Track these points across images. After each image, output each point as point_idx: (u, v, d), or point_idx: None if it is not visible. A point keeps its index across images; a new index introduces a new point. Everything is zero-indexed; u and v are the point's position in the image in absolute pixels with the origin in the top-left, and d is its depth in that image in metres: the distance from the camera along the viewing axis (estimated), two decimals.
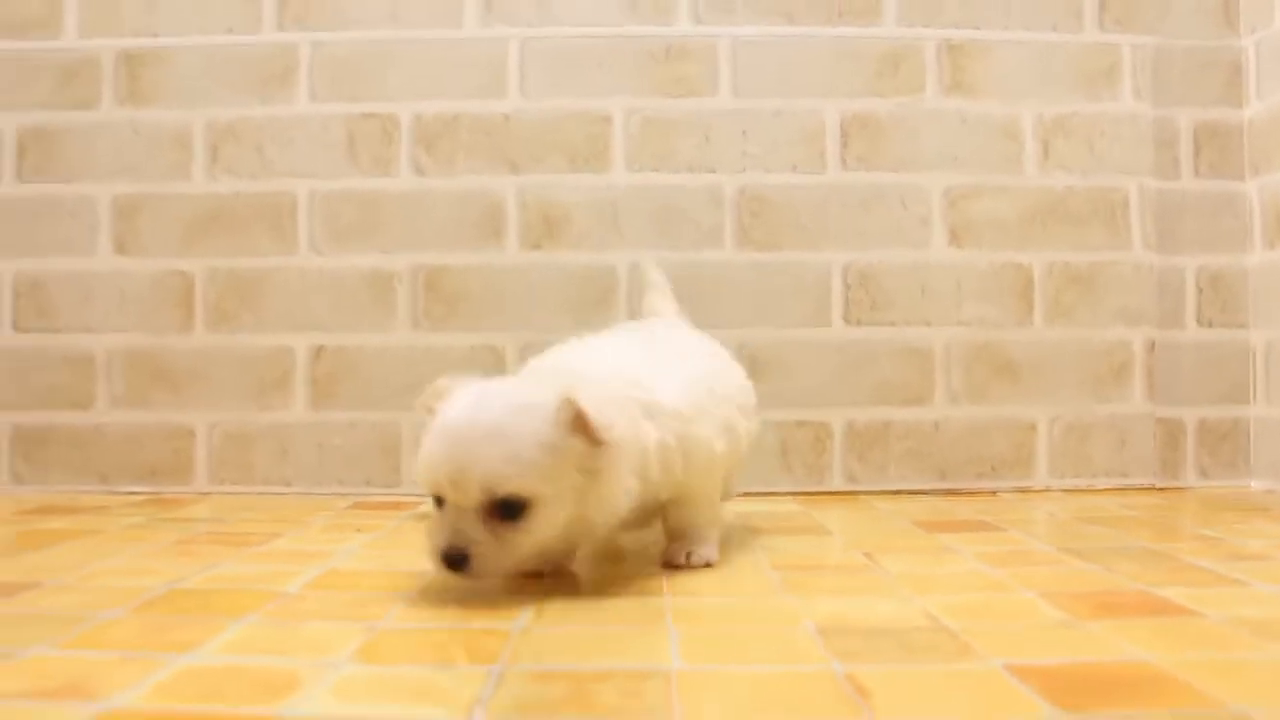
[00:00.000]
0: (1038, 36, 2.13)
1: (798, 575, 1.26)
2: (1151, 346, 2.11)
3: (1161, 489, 2.09)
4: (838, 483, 2.07)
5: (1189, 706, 0.72)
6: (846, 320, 2.09)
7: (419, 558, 1.12)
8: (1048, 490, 2.08)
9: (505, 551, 1.05)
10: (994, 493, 2.06)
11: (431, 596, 1.10)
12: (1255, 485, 2.11)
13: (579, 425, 1.05)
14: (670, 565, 1.26)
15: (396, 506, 1.91)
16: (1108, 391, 2.10)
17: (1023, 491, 2.07)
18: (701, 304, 1.99)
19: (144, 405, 2.11)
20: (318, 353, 2.09)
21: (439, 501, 1.06)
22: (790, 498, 2.01)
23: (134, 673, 0.80)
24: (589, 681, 0.80)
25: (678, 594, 1.15)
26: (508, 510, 1.03)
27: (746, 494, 2.02)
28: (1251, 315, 2.13)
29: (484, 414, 1.05)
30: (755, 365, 2.02)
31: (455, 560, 1.04)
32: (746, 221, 2.09)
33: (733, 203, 2.09)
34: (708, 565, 1.27)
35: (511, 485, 1.02)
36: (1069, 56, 2.13)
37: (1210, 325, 2.13)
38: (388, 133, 2.11)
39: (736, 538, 1.54)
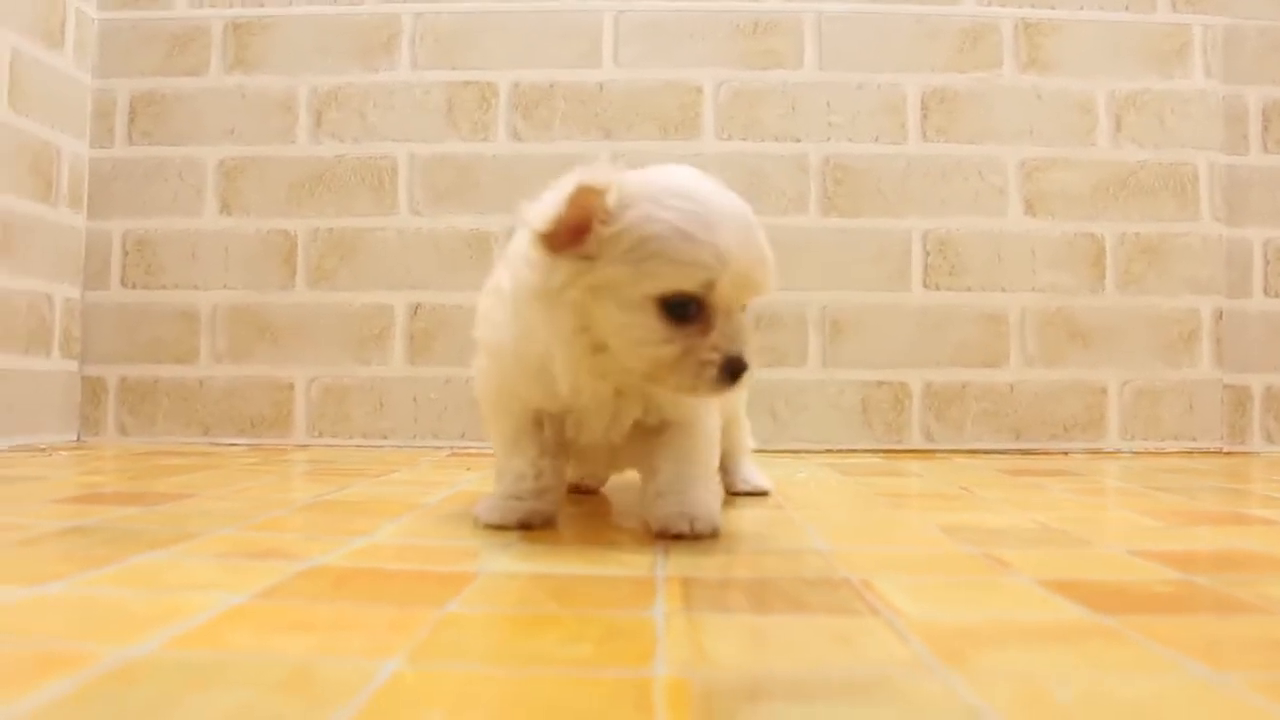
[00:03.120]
0: (1111, 16, 2.21)
1: (905, 500, 1.33)
2: (1219, 315, 2.17)
3: (1229, 453, 2.16)
4: (916, 441, 2.14)
5: None
6: (925, 285, 2.16)
7: None
8: (1118, 452, 2.14)
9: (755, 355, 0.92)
10: (1066, 453, 2.12)
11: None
12: None
13: None
14: (670, 533, 0.96)
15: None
16: (1177, 358, 2.17)
17: (1094, 453, 2.14)
18: (786, 268, 2.05)
19: (246, 359, 2.20)
20: (415, 310, 2.17)
21: (688, 310, 0.88)
22: (870, 455, 2.08)
23: (324, 546, 0.87)
24: (752, 555, 0.87)
25: (794, 507, 1.23)
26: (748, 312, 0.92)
27: (828, 450, 2.10)
28: None
29: (740, 202, 0.93)
30: (837, 327, 2.10)
31: (741, 369, 0.89)
32: (830, 189, 2.17)
33: (817, 171, 2.17)
34: (715, 534, 0.97)
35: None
36: (1141, 35, 2.21)
37: (1277, 296, 2.20)
38: (486, 99, 2.20)
39: (832, 477, 1.61)
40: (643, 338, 0.89)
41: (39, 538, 0.90)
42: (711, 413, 1.05)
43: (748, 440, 1.37)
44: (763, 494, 1.31)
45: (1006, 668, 0.54)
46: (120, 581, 0.71)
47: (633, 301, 0.88)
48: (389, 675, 0.50)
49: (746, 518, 1.10)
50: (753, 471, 1.35)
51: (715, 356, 0.88)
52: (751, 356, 0.89)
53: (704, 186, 0.91)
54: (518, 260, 0.96)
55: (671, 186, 0.89)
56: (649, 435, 1.01)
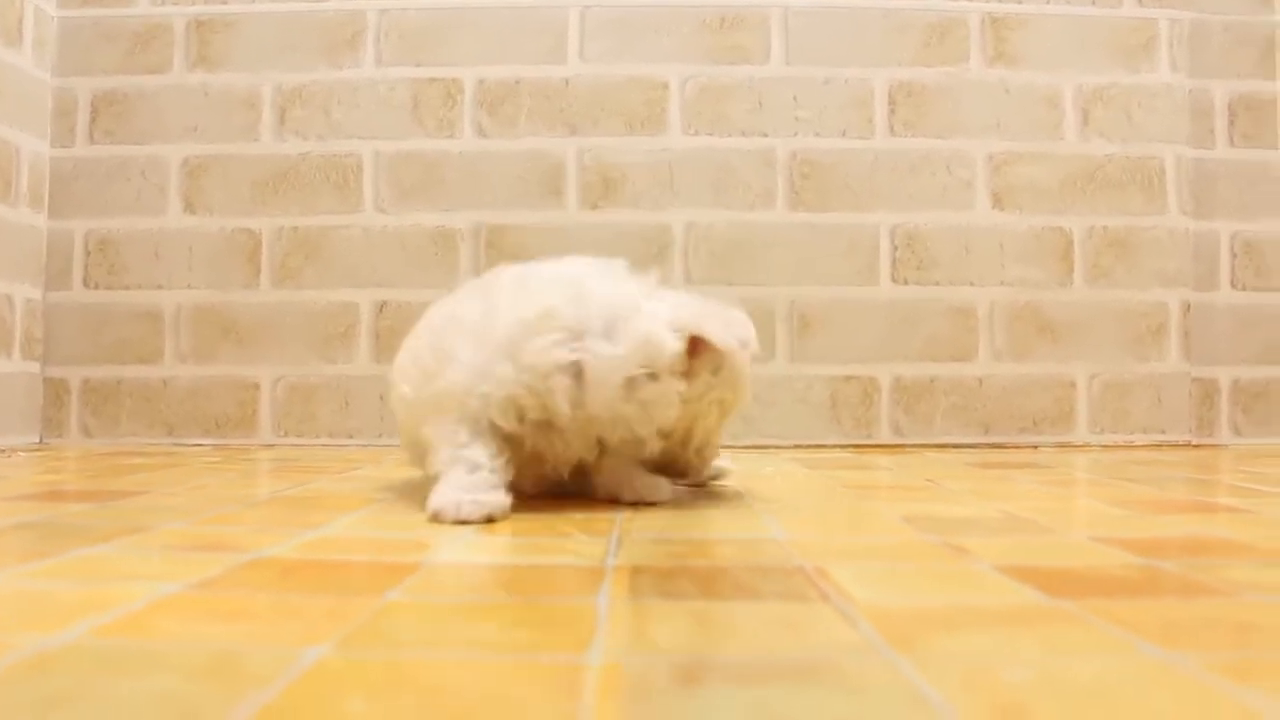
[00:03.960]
0: (1078, 10, 2.21)
1: (870, 493, 1.32)
2: (1187, 308, 2.18)
3: (1197, 445, 2.16)
4: (885, 435, 2.14)
5: (1260, 557, 0.80)
6: (894, 279, 2.15)
7: None
8: (1087, 446, 2.14)
9: None
10: (1035, 447, 2.12)
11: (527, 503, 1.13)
12: None
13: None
14: (625, 500, 1.11)
15: None
16: (1145, 351, 2.17)
17: (1063, 446, 2.13)
18: (753, 263, 2.07)
19: (210, 359, 2.17)
20: (381, 308, 2.15)
21: None
22: (839, 450, 2.07)
23: (273, 538, 0.85)
24: (706, 544, 0.86)
25: (756, 499, 1.22)
26: None
27: (796, 446, 2.09)
28: None
29: None
30: (804, 322, 2.09)
31: None
32: (798, 184, 2.16)
33: (784, 166, 2.16)
34: (668, 498, 1.12)
35: None
36: (1108, 29, 2.21)
37: (1244, 289, 2.20)
38: (451, 96, 2.18)
39: (799, 470, 1.60)
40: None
41: None
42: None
43: None
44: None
45: (957, 651, 0.53)
46: (54, 574, 0.70)
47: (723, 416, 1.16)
48: (313, 661, 0.48)
49: (706, 509, 1.09)
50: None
51: None
52: None
53: None
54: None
55: None
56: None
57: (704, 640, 0.54)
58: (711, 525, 0.97)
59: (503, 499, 0.99)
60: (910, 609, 0.61)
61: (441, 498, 0.98)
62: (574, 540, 0.86)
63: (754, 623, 0.58)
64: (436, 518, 0.96)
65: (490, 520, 0.96)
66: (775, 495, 1.24)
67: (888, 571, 0.74)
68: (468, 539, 0.87)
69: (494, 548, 0.83)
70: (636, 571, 0.72)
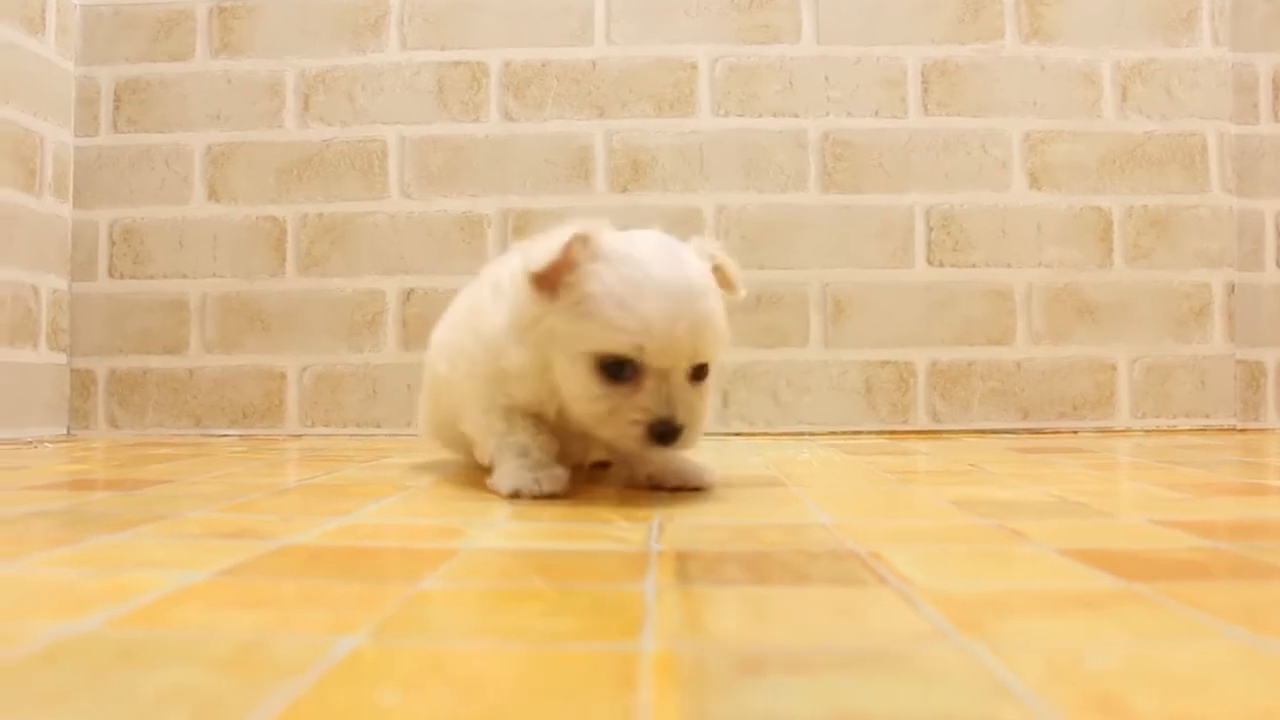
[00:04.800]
0: None
1: (912, 477, 1.28)
2: (1231, 289, 2.13)
3: (1242, 429, 2.11)
4: (922, 421, 2.10)
5: None
6: (929, 262, 2.11)
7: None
8: (1129, 430, 2.10)
9: (704, 417, 0.97)
10: (1075, 432, 2.08)
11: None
12: None
13: (721, 281, 1.00)
14: (667, 487, 1.06)
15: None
16: (1188, 333, 2.12)
17: (1104, 431, 2.09)
18: (785, 246, 2.03)
19: (236, 349, 2.15)
20: (408, 295, 2.13)
21: (623, 371, 0.93)
22: (875, 435, 2.03)
23: (299, 525, 0.83)
24: (752, 529, 0.83)
25: (796, 484, 1.19)
26: (699, 372, 0.96)
27: (831, 432, 2.05)
28: None
29: (692, 270, 0.95)
30: (839, 306, 2.05)
31: (675, 433, 0.94)
32: (830, 164, 2.12)
33: (816, 146, 2.12)
34: (710, 486, 1.07)
35: (724, 345, 0.97)
36: (1146, 3, 2.16)
37: None
38: (477, 79, 2.15)
39: (836, 456, 1.56)
40: (579, 391, 0.95)
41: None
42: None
43: None
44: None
45: (1032, 637, 0.49)
46: (73, 562, 0.67)
47: (573, 354, 0.94)
48: (346, 651, 0.45)
49: (746, 496, 1.06)
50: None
51: (642, 417, 0.93)
52: (686, 418, 0.94)
53: (658, 254, 0.94)
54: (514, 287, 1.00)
55: (626, 250, 0.94)
56: None
57: (760, 627, 0.51)
58: (755, 510, 0.94)
59: (561, 473, 1.01)
60: (974, 593, 0.57)
61: (512, 478, 1.00)
62: (615, 526, 0.82)
63: (810, 608, 0.55)
64: (518, 494, 0.98)
65: (553, 496, 0.99)
66: (815, 481, 1.20)
67: (944, 555, 0.70)
68: (503, 525, 0.83)
69: (532, 534, 0.80)
70: (682, 557, 0.68)
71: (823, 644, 0.48)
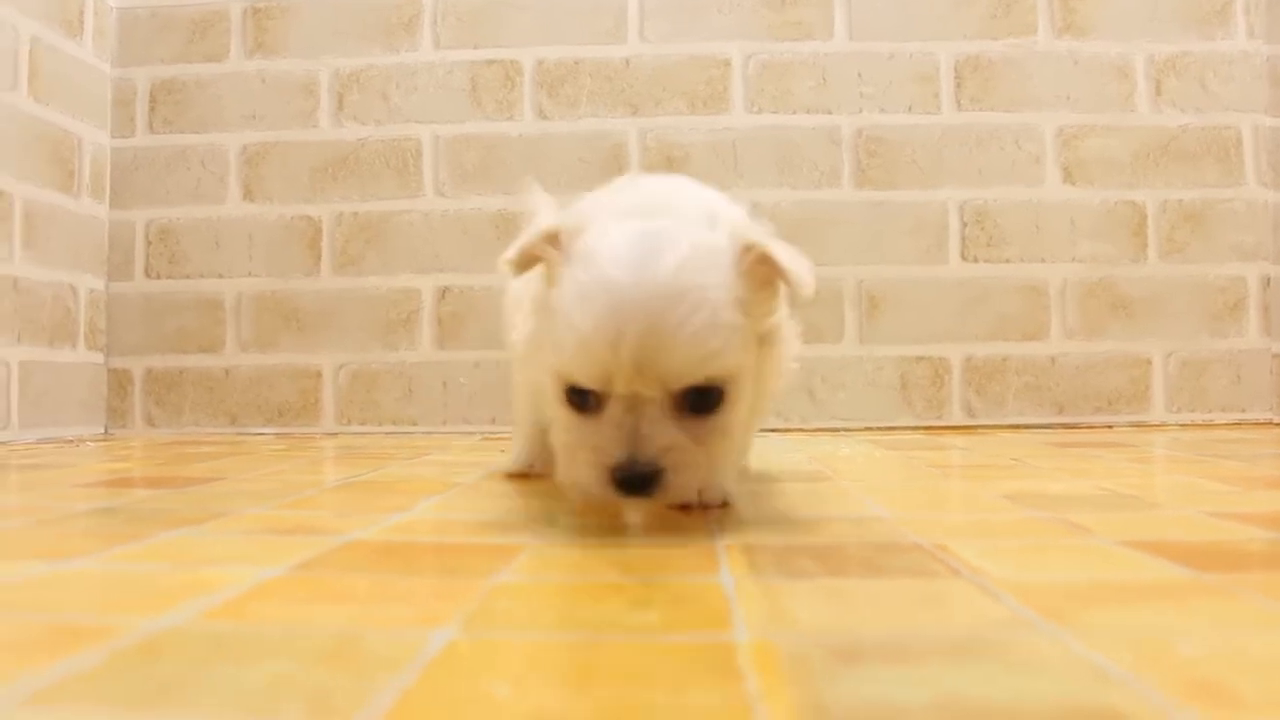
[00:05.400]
0: None
1: (957, 472, 1.28)
2: (1267, 282, 2.12)
3: (1278, 423, 2.10)
4: (957, 416, 2.09)
5: None
6: (964, 257, 2.11)
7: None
8: (1164, 425, 2.09)
9: (707, 458, 0.76)
10: (1110, 426, 2.07)
11: None
12: None
13: (764, 277, 0.79)
14: (676, 504, 0.85)
15: None
16: (1223, 327, 2.11)
17: (1139, 426, 2.08)
18: (819, 242, 2.03)
19: (272, 348, 2.16)
20: (443, 293, 2.13)
21: (585, 399, 0.75)
22: (911, 431, 2.03)
23: (358, 522, 0.83)
24: (812, 523, 0.83)
25: (843, 479, 1.19)
26: (701, 401, 0.75)
27: (867, 428, 2.05)
28: None
29: (664, 268, 0.73)
30: (873, 302, 2.05)
31: (643, 480, 0.73)
32: (864, 161, 2.12)
33: (850, 143, 2.12)
34: (725, 505, 0.87)
35: (717, 364, 0.74)
36: None
37: None
38: (510, 78, 2.16)
39: (876, 451, 1.56)
40: (556, 422, 0.79)
41: (61, 518, 0.87)
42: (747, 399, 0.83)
43: None
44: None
45: (1118, 625, 0.49)
46: (147, 557, 0.68)
47: (549, 377, 0.78)
48: (443, 644, 0.45)
49: (797, 490, 1.06)
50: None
51: (595, 459, 0.73)
52: (665, 458, 0.72)
53: (631, 248, 0.75)
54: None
55: (594, 247, 0.76)
56: None
57: (846, 618, 0.51)
58: (810, 505, 0.94)
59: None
60: (1049, 584, 0.58)
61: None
62: (674, 521, 0.83)
63: (891, 599, 0.55)
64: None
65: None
66: (862, 475, 1.20)
67: (1009, 548, 0.70)
68: (564, 521, 0.84)
69: (595, 529, 0.80)
70: (750, 550, 0.69)
71: (913, 633, 0.48)
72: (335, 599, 0.56)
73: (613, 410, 0.73)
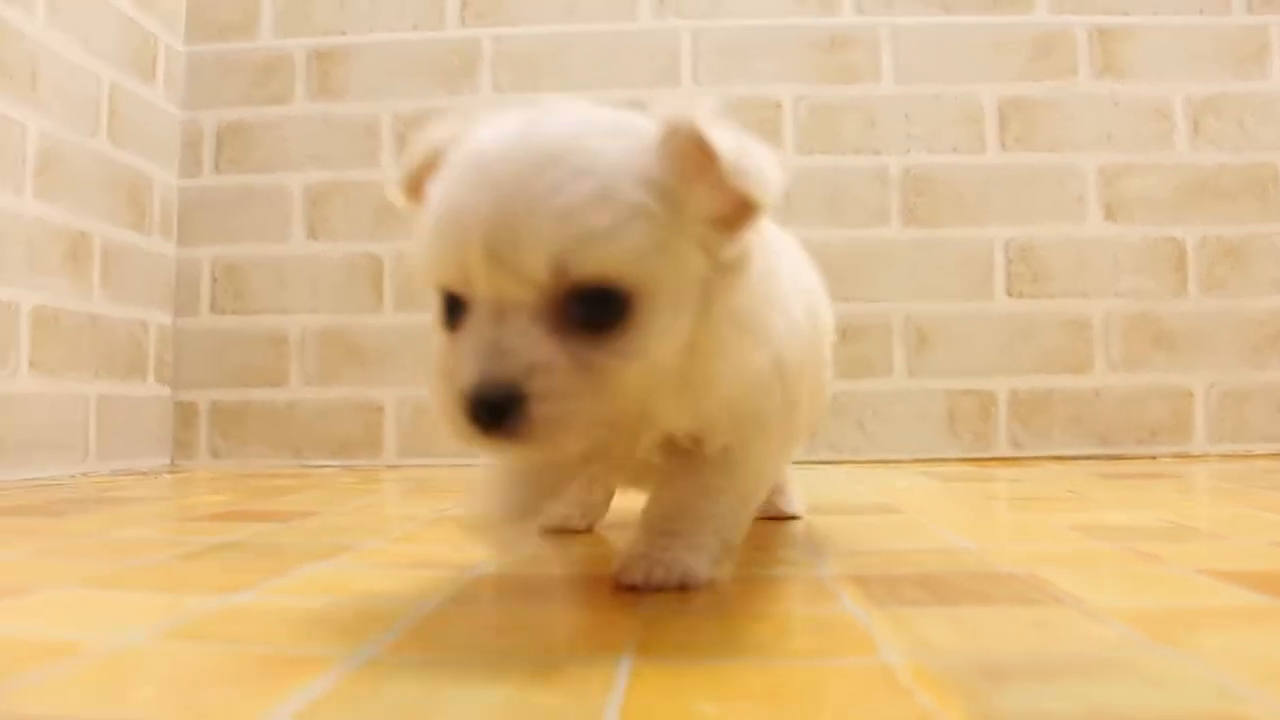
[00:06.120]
0: (1186, 20, 2.21)
1: (1020, 504, 1.34)
2: None
3: None
4: (1003, 448, 2.15)
5: None
6: (1009, 293, 2.17)
7: None
8: (1205, 455, 2.14)
9: (592, 387, 0.57)
10: (1153, 457, 2.12)
11: None
12: None
13: (701, 166, 0.60)
14: (624, 583, 0.71)
15: None
16: (1264, 359, 2.16)
17: (1181, 456, 2.13)
18: (869, 279, 2.09)
19: (335, 382, 2.23)
20: None
21: (455, 306, 0.61)
22: (959, 463, 2.08)
23: (474, 556, 0.86)
24: (901, 555, 0.88)
25: (910, 511, 1.24)
26: (595, 308, 0.58)
27: (915, 460, 2.10)
28: None
29: (545, 130, 0.59)
30: (921, 337, 2.11)
31: (499, 406, 0.56)
32: (911, 200, 2.18)
33: (898, 182, 2.19)
34: (681, 587, 0.70)
35: (610, 251, 0.56)
36: (1217, 38, 2.21)
37: None
38: None
39: (931, 483, 1.62)
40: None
41: (197, 552, 0.91)
42: (772, 438, 0.75)
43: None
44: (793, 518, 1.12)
45: (1230, 647, 0.54)
46: (304, 590, 0.73)
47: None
48: (629, 669, 0.50)
49: (874, 522, 1.11)
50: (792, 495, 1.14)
51: (449, 382, 0.59)
52: (530, 381, 0.56)
53: (510, 129, 0.59)
54: None
55: (471, 138, 0.61)
56: (682, 454, 0.72)
57: (976, 641, 0.56)
58: (894, 537, 1.00)
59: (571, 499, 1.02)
60: (1149, 610, 0.63)
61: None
62: (767, 553, 0.88)
63: (1006, 624, 0.60)
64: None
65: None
66: (927, 507, 1.26)
67: (1098, 576, 0.75)
68: None
69: None
70: (859, 581, 0.74)
71: (1043, 653, 0.53)
72: (506, 631, 0.61)
73: (473, 319, 0.58)
